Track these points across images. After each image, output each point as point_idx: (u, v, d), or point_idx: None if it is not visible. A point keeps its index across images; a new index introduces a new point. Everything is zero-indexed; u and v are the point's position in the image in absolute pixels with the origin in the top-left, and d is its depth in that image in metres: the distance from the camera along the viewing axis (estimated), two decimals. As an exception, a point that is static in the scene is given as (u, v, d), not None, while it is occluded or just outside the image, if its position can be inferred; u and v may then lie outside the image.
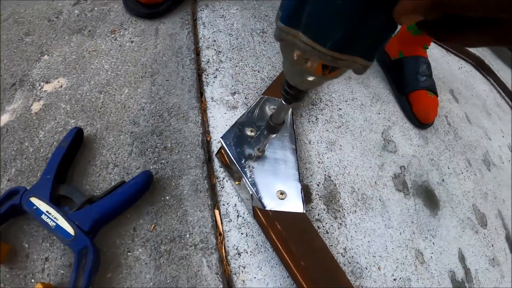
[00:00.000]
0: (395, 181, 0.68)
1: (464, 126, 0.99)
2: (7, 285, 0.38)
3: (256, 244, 0.48)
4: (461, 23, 0.22)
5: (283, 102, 0.38)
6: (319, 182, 0.59)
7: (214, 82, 0.64)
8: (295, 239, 0.44)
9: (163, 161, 0.51)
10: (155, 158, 0.51)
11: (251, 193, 0.46)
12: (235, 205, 0.50)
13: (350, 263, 0.52)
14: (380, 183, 0.66)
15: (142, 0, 0.68)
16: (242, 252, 0.47)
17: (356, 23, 0.23)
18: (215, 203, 0.50)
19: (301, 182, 0.51)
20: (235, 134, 0.51)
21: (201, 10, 0.79)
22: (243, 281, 0.44)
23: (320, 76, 0.29)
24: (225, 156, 0.50)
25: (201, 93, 0.62)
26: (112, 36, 0.65)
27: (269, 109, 0.57)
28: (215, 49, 0.71)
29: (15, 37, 0.60)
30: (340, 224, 0.55)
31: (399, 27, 0.72)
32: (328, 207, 0.56)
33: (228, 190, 0.51)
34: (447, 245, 0.65)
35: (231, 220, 0.49)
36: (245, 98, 0.64)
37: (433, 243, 0.63)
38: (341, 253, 0.52)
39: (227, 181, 0.52)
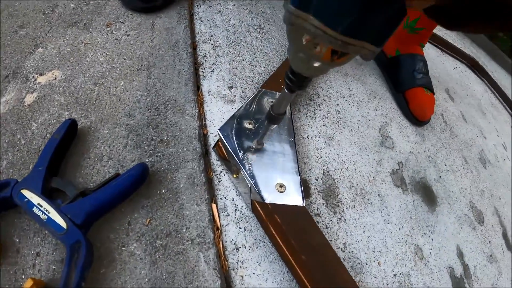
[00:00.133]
0: (393, 176, 0.68)
1: (460, 124, 0.99)
2: (-4, 280, 0.36)
3: (255, 239, 0.47)
4: (469, 11, 0.22)
5: (286, 90, 0.37)
6: (318, 177, 0.58)
7: (211, 76, 0.63)
8: (295, 233, 0.43)
9: (159, 154, 0.49)
10: (151, 151, 0.49)
11: (249, 186, 0.45)
12: (233, 199, 0.49)
13: (350, 258, 0.51)
14: (379, 179, 0.65)
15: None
16: (240, 247, 0.46)
17: (369, 7, 0.23)
18: (212, 197, 0.49)
19: (300, 176, 0.50)
20: (233, 127, 0.50)
21: (198, 5, 0.78)
22: (242, 276, 0.43)
23: (328, 61, 0.28)
24: (223, 149, 0.49)
25: (197, 87, 0.61)
26: (107, 29, 0.63)
27: (267, 102, 0.56)
28: (212, 44, 0.70)
29: (9, 30, 0.58)
30: (340, 219, 0.55)
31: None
32: (327, 202, 0.56)
33: (225, 184, 0.50)
34: (446, 241, 0.64)
35: (229, 214, 0.48)
36: (243, 92, 0.63)
37: (432, 239, 0.63)
38: (341, 248, 0.51)
39: (224, 175, 0.51)
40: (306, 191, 0.55)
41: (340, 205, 0.57)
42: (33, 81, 0.52)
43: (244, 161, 0.47)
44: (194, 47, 0.68)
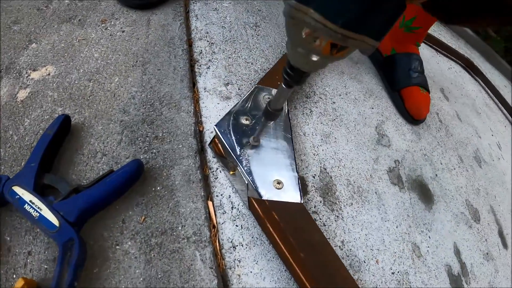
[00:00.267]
0: (390, 174, 0.68)
1: (455, 123, 0.99)
2: (-14, 279, 0.35)
3: (252, 237, 0.46)
4: (467, 5, 0.21)
5: (283, 86, 0.37)
6: (315, 174, 0.57)
7: (207, 72, 0.63)
8: (293, 230, 0.42)
9: (154, 151, 0.49)
10: (146, 148, 0.49)
11: (246, 182, 0.45)
12: (229, 196, 0.49)
13: (348, 256, 0.51)
14: (376, 176, 0.65)
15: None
16: (237, 245, 0.45)
17: (370, 1, 0.23)
18: (208, 194, 0.48)
19: (298, 173, 0.50)
20: (230, 123, 0.49)
21: (193, 2, 0.77)
22: (239, 275, 0.43)
23: (327, 55, 0.28)
24: (219, 145, 0.48)
25: (193, 84, 0.60)
26: (102, 25, 0.62)
27: (263, 99, 0.56)
28: (208, 41, 0.69)
29: (2, 25, 0.57)
30: (337, 216, 0.54)
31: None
32: (325, 199, 0.55)
33: (222, 181, 0.50)
34: (443, 239, 0.64)
35: (225, 212, 0.47)
36: (239, 89, 0.62)
37: (429, 237, 0.63)
38: (339, 246, 0.51)
39: (220, 172, 0.50)
40: (303, 188, 0.54)
41: (338, 203, 0.56)
42: (26, 77, 0.51)
43: (241, 157, 0.46)
44: (189, 44, 0.67)
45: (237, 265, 0.43)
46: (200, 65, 0.63)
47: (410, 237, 0.60)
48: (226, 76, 0.64)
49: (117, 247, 0.40)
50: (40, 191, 0.39)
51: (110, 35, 0.61)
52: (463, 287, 0.60)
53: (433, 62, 1.24)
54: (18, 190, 0.38)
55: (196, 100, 0.58)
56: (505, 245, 0.77)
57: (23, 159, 0.43)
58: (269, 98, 0.56)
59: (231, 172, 0.48)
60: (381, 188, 0.64)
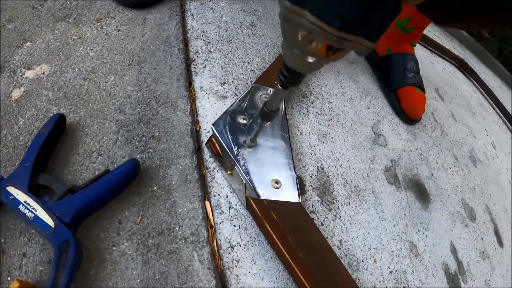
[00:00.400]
0: (386, 174, 0.68)
1: (450, 123, 1.00)
2: (-21, 282, 0.34)
3: (250, 237, 0.46)
4: (462, 7, 0.22)
5: (279, 87, 0.37)
6: (312, 174, 0.57)
7: (203, 72, 0.62)
8: (291, 230, 0.42)
9: (151, 150, 0.48)
10: (142, 147, 0.48)
11: (244, 182, 0.44)
12: (227, 196, 0.48)
13: (346, 255, 0.51)
14: (372, 176, 0.65)
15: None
16: (235, 246, 0.44)
17: (366, 3, 0.23)
18: (205, 194, 0.48)
19: (295, 172, 0.49)
20: (227, 122, 0.49)
21: (189, 2, 0.77)
22: (237, 276, 0.42)
23: (323, 57, 0.28)
24: (217, 144, 0.48)
25: (189, 83, 0.60)
26: (98, 24, 0.62)
27: (260, 98, 0.55)
28: (204, 40, 0.69)
29: (-4, 24, 0.57)
30: (335, 216, 0.54)
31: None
32: (322, 199, 0.55)
33: (219, 181, 0.49)
34: (439, 238, 0.65)
35: (223, 212, 0.47)
36: (235, 88, 0.62)
37: (426, 236, 0.63)
38: (337, 246, 0.51)
39: (217, 172, 0.50)
40: (301, 188, 0.54)
41: (335, 202, 0.56)
42: (21, 76, 0.50)
43: (238, 157, 0.46)
44: (185, 43, 0.67)
45: (235, 266, 0.43)
46: (196, 64, 0.63)
47: (407, 236, 0.60)
48: (222, 76, 0.63)
49: (114, 248, 0.39)
50: (35, 191, 0.38)
51: (106, 34, 0.61)
52: (460, 286, 0.60)
53: (428, 62, 1.25)
54: (12, 190, 0.37)
55: (192, 100, 0.57)
56: (500, 243, 0.77)
57: (18, 159, 0.43)
58: (266, 97, 0.56)
59: (229, 172, 0.48)
60: (378, 188, 0.64)
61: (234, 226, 0.46)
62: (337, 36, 0.25)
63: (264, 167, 0.46)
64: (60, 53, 0.55)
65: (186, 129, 0.52)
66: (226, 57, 0.67)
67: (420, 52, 1.26)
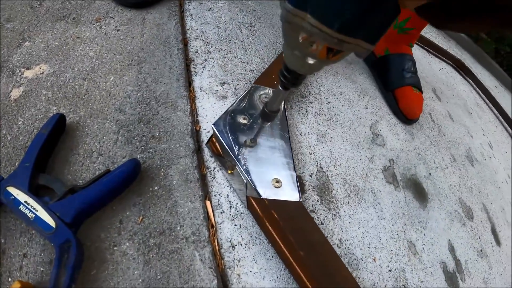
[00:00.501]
0: (385, 173, 0.68)
1: (447, 123, 1.01)
2: (-20, 282, 0.34)
3: (251, 236, 0.46)
4: (460, 10, 0.22)
5: (280, 88, 0.37)
6: (312, 173, 0.58)
7: (202, 72, 0.62)
8: (292, 229, 0.42)
9: (151, 150, 0.48)
10: (143, 147, 0.48)
11: (245, 181, 0.44)
12: (227, 195, 0.48)
13: (346, 254, 0.51)
14: (371, 175, 0.65)
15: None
16: (236, 245, 0.45)
17: (365, 5, 0.24)
18: (206, 194, 0.48)
19: (296, 171, 0.50)
20: (227, 122, 0.49)
21: (188, 2, 0.77)
22: (238, 275, 0.42)
23: (323, 59, 0.29)
24: (217, 144, 0.48)
25: (189, 83, 0.60)
26: (97, 24, 0.62)
27: (260, 98, 0.55)
28: (203, 40, 0.69)
29: (-6, 23, 0.56)
30: (334, 215, 0.54)
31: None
32: (322, 198, 0.55)
33: (219, 181, 0.49)
34: (438, 236, 0.65)
35: (224, 212, 0.47)
36: (235, 88, 0.62)
37: (424, 235, 0.63)
38: (337, 244, 0.51)
39: (218, 171, 0.50)
40: (300, 187, 0.54)
41: (335, 202, 0.56)
42: (20, 75, 0.50)
43: (239, 156, 0.46)
44: (185, 43, 0.67)
45: (237, 265, 0.43)
46: (196, 65, 0.63)
47: (406, 235, 0.60)
48: (222, 76, 0.63)
49: (115, 248, 0.39)
50: (35, 191, 0.38)
51: (105, 33, 0.61)
52: (458, 284, 0.61)
53: (425, 63, 1.26)
54: (12, 190, 0.37)
55: (192, 100, 0.57)
56: (498, 242, 0.78)
57: (17, 159, 0.42)
58: (265, 97, 0.56)
59: (229, 172, 0.48)
60: (377, 187, 0.64)
61: (235, 225, 0.46)
62: (337, 38, 0.25)
63: (264, 167, 0.47)
64: (60, 52, 0.55)
65: (186, 129, 0.52)
66: (225, 57, 0.67)
67: (417, 52, 1.27)
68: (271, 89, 0.58)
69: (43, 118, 0.47)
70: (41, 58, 0.53)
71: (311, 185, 0.56)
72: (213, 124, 0.48)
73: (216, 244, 0.44)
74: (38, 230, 0.36)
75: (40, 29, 0.58)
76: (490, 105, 1.37)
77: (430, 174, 0.77)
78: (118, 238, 0.40)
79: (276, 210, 0.42)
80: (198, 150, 0.52)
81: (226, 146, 0.46)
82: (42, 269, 0.36)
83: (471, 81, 1.39)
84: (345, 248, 0.52)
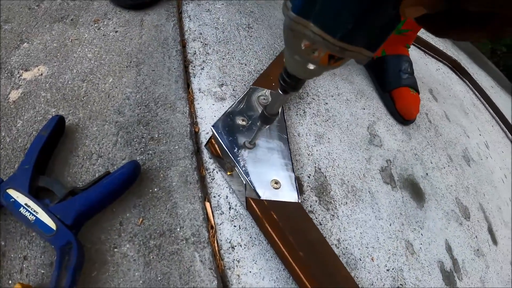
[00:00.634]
0: (382, 174, 0.69)
1: (444, 123, 1.01)
2: (-20, 285, 0.34)
3: (250, 237, 0.46)
4: (459, 19, 0.22)
5: (280, 92, 0.37)
6: (310, 174, 0.58)
7: (201, 73, 0.62)
8: (291, 229, 0.42)
9: (150, 152, 0.48)
10: (142, 149, 0.48)
11: (244, 182, 0.45)
12: (227, 197, 0.49)
13: (344, 254, 0.51)
14: (369, 176, 0.66)
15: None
16: (235, 246, 0.45)
17: (367, 15, 0.24)
18: (205, 195, 0.48)
19: (294, 172, 0.50)
20: (226, 123, 0.49)
21: (186, 3, 0.77)
22: (238, 275, 0.43)
23: (324, 65, 0.29)
24: (216, 145, 0.48)
25: (188, 84, 0.60)
26: (95, 25, 0.62)
27: (258, 100, 0.56)
28: (201, 42, 0.69)
29: (-8, 25, 0.56)
30: (333, 215, 0.55)
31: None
32: (320, 199, 0.56)
33: (218, 182, 0.50)
34: (435, 236, 0.66)
35: (223, 213, 0.47)
36: (233, 90, 0.62)
37: (421, 234, 0.64)
38: (335, 245, 0.51)
39: (217, 173, 0.50)
40: (299, 188, 0.55)
41: (333, 202, 0.57)
42: (18, 77, 0.50)
43: (238, 158, 0.46)
44: (183, 44, 0.67)
45: (236, 265, 0.43)
46: (194, 66, 0.63)
47: (403, 235, 0.61)
48: (220, 77, 0.64)
49: (115, 250, 0.39)
50: (35, 193, 0.38)
51: (103, 35, 0.61)
52: (455, 283, 0.61)
53: (422, 63, 1.26)
54: (12, 193, 0.37)
55: (191, 101, 0.58)
56: (494, 241, 0.79)
57: (17, 161, 0.42)
58: (264, 98, 0.57)
59: (228, 173, 0.48)
60: (374, 187, 0.65)
61: (234, 226, 0.46)
62: (339, 47, 0.26)
63: (263, 168, 0.47)
64: (58, 54, 0.55)
65: (185, 131, 0.52)
66: (223, 58, 0.68)
67: (414, 53, 1.28)
68: (269, 91, 0.59)
69: (42, 120, 0.47)
70: (39, 59, 0.53)
71: (310, 186, 0.56)
72: (212, 126, 0.48)
73: (216, 245, 0.44)
74: (38, 233, 0.37)
75: (38, 31, 0.58)
76: (486, 105, 1.38)
77: (427, 174, 0.78)
78: (118, 239, 0.40)
79: (275, 211, 0.43)
80: (197, 152, 0.52)
81: (225, 148, 0.46)
82: (42, 271, 0.36)
83: (467, 81, 1.41)
84: (344, 248, 0.52)
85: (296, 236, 0.42)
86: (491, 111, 1.37)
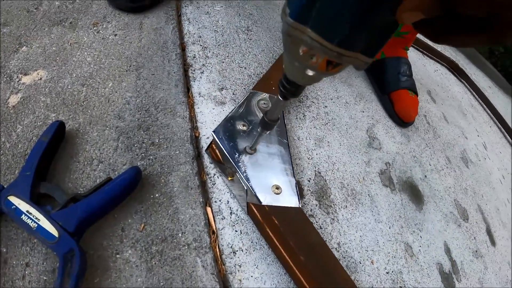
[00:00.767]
0: (381, 177, 0.69)
1: (442, 125, 1.02)
2: (-18, 293, 0.34)
3: (251, 242, 0.46)
4: (457, 24, 0.22)
5: (280, 98, 0.37)
6: (310, 178, 0.58)
7: (201, 77, 0.62)
8: (292, 234, 0.43)
9: (151, 157, 0.48)
10: (143, 154, 0.48)
11: (245, 188, 0.45)
12: (228, 202, 0.49)
13: (344, 257, 0.52)
14: (368, 179, 0.66)
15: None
16: (237, 251, 0.45)
17: (365, 21, 0.24)
18: (206, 200, 0.48)
19: (295, 177, 0.50)
20: (227, 129, 0.49)
21: (185, 6, 0.77)
22: (240, 280, 0.43)
23: (322, 71, 0.29)
24: (217, 151, 0.49)
25: (188, 88, 0.60)
26: (94, 28, 0.61)
27: (258, 104, 0.56)
28: (201, 45, 0.69)
29: (-10, 28, 0.56)
30: (333, 219, 0.55)
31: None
32: (320, 203, 0.56)
33: (219, 187, 0.50)
34: (433, 238, 0.66)
35: (224, 218, 0.47)
36: (233, 94, 0.62)
37: (420, 237, 0.64)
38: (336, 248, 0.52)
39: (218, 178, 0.51)
40: (299, 192, 0.55)
41: (333, 206, 0.57)
42: (17, 81, 0.50)
43: (239, 163, 0.46)
44: (183, 48, 0.67)
45: (238, 270, 0.43)
46: (194, 70, 0.63)
47: (402, 237, 0.61)
48: (220, 81, 0.64)
49: (118, 256, 0.39)
50: (37, 200, 0.38)
51: (103, 38, 0.61)
52: (454, 284, 0.62)
53: (420, 64, 1.27)
54: (14, 200, 0.37)
55: (191, 105, 0.58)
56: (493, 242, 0.79)
57: (17, 167, 0.42)
58: (264, 103, 0.57)
59: (230, 178, 0.48)
60: (374, 190, 0.65)
61: (236, 231, 0.47)
62: (336, 52, 0.26)
63: (264, 173, 0.47)
64: (57, 58, 0.55)
65: (186, 136, 0.52)
66: (223, 62, 0.68)
67: (412, 54, 1.28)
68: (269, 95, 0.59)
69: (42, 125, 0.46)
70: (38, 63, 0.53)
71: (310, 190, 0.56)
72: (213, 131, 0.48)
73: (218, 250, 0.44)
74: (40, 240, 0.36)
75: (37, 34, 0.57)
76: (484, 106, 1.38)
77: (425, 176, 0.79)
78: (120, 245, 0.40)
79: (276, 216, 0.43)
80: (198, 157, 0.52)
81: (226, 153, 0.46)
82: (45, 278, 0.36)
83: (465, 82, 1.41)
84: (344, 252, 0.52)
85: (297, 241, 0.42)
86: (489, 112, 1.38)
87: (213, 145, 0.49)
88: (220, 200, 0.48)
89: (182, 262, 0.41)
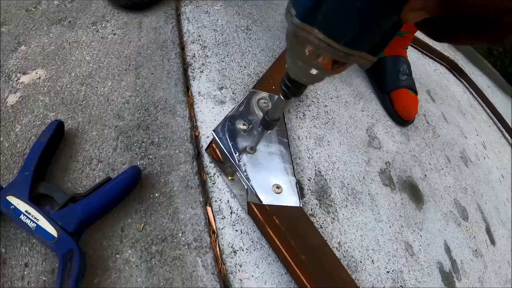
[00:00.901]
0: (381, 176, 0.69)
1: (441, 124, 1.02)
2: (-19, 293, 0.34)
3: (252, 241, 0.46)
4: (459, 24, 0.22)
5: (281, 97, 0.37)
6: (310, 177, 0.58)
7: (200, 76, 0.62)
8: (293, 234, 0.42)
9: (151, 157, 0.48)
10: (142, 154, 0.48)
11: (246, 188, 0.45)
12: (228, 201, 0.49)
13: (345, 257, 0.51)
14: (368, 178, 0.66)
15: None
16: (237, 250, 0.45)
17: (371, 21, 0.25)
18: (206, 200, 0.48)
19: (295, 177, 0.50)
20: (227, 128, 0.49)
21: (184, 5, 0.76)
22: (240, 280, 0.43)
23: (328, 71, 0.30)
24: (217, 150, 0.48)
25: (187, 88, 0.60)
26: (93, 27, 0.61)
27: (258, 103, 0.56)
28: (200, 44, 0.69)
29: (-12, 27, 0.56)
30: (333, 219, 0.55)
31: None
32: (321, 202, 0.56)
33: (219, 186, 0.50)
34: (434, 237, 0.66)
35: (225, 217, 0.47)
36: (233, 93, 0.62)
37: (421, 236, 0.64)
38: (336, 247, 0.52)
39: (218, 177, 0.50)
40: (300, 191, 0.55)
41: (333, 205, 0.57)
42: (16, 81, 0.50)
43: (240, 163, 0.46)
44: (182, 47, 0.67)
45: (239, 270, 0.43)
46: (193, 69, 0.63)
47: (402, 237, 0.61)
48: (220, 80, 0.63)
49: (117, 256, 0.39)
50: (36, 200, 0.38)
51: (102, 37, 0.60)
52: (454, 283, 0.62)
53: (419, 64, 1.27)
54: (12, 200, 0.37)
55: (190, 105, 0.57)
56: (492, 241, 0.79)
57: (16, 166, 0.42)
58: (264, 102, 0.57)
59: (230, 177, 0.48)
60: (374, 190, 0.65)
61: (236, 231, 0.46)
62: (343, 52, 0.26)
63: (265, 173, 0.47)
64: (56, 57, 0.55)
65: (186, 135, 0.52)
66: (222, 61, 0.68)
67: (411, 54, 1.28)
68: (269, 94, 0.58)
69: (41, 125, 0.46)
70: (37, 62, 0.53)
71: (310, 189, 0.56)
72: (213, 131, 0.48)
73: (218, 249, 0.44)
74: (40, 240, 0.36)
75: (36, 33, 0.57)
76: (483, 105, 1.38)
77: (425, 175, 0.78)
78: (120, 245, 0.40)
79: (277, 215, 0.43)
80: (198, 156, 0.52)
81: (227, 153, 0.46)
82: (44, 278, 0.36)
83: (464, 82, 1.41)
84: (344, 251, 0.52)
85: (297, 240, 0.42)
86: (488, 111, 1.38)
87: (213, 145, 0.49)
88: (220, 200, 0.48)
89: (182, 262, 0.41)
